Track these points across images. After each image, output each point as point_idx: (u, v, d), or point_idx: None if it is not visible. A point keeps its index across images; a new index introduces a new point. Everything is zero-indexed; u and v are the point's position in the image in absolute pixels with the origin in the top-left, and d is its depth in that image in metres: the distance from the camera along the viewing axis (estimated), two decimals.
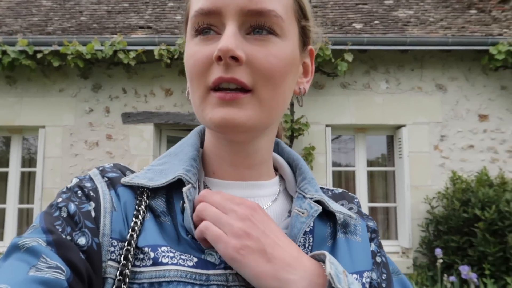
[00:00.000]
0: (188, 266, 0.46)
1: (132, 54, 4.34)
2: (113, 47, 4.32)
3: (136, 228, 0.47)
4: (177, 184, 0.52)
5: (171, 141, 4.77)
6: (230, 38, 0.46)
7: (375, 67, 4.71)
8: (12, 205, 4.69)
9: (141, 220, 0.48)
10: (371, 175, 4.85)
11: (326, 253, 0.46)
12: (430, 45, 4.44)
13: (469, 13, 5.12)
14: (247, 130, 0.50)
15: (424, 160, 4.52)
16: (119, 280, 0.44)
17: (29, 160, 4.90)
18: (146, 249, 0.46)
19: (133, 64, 4.38)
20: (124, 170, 0.55)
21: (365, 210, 4.68)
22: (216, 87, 0.48)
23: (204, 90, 0.49)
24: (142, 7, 5.48)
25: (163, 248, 0.46)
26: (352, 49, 4.40)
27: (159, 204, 0.51)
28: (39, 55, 4.34)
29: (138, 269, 0.45)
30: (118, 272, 0.45)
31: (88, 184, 0.51)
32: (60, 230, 0.44)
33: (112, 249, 0.46)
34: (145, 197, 0.51)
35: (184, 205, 0.49)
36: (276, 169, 0.62)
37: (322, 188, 0.63)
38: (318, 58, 4.33)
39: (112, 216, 0.48)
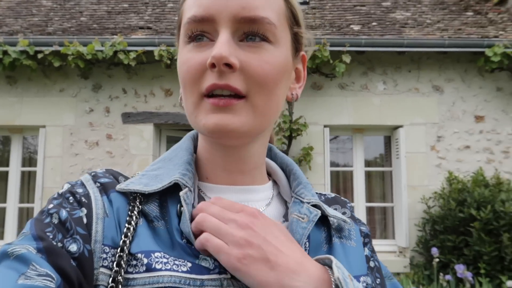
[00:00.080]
0: (182, 272, 0.45)
1: (132, 55, 4.38)
2: (113, 47, 4.36)
3: (129, 234, 0.47)
4: (172, 189, 0.51)
5: (171, 141, 4.81)
6: (223, 45, 0.46)
7: (373, 68, 4.76)
8: (12, 204, 4.71)
9: (134, 226, 0.48)
10: (368, 175, 4.90)
11: (332, 257, 0.46)
12: (426, 47, 4.50)
13: (466, 15, 5.18)
14: (241, 136, 0.50)
15: (420, 160, 4.58)
16: (111, 287, 0.44)
17: (29, 160, 4.93)
18: (139, 255, 0.45)
19: (133, 65, 4.42)
20: (116, 176, 0.54)
21: (362, 209, 4.73)
22: (210, 94, 0.48)
23: (197, 96, 0.49)
24: (142, 7, 5.51)
25: (156, 254, 0.46)
26: (350, 50, 4.45)
27: (152, 209, 0.50)
28: (39, 55, 4.37)
29: (131, 276, 0.45)
30: (111, 279, 0.44)
31: (80, 190, 0.50)
32: (51, 237, 0.44)
33: (104, 255, 0.45)
34: (137, 203, 0.50)
35: (182, 208, 0.49)
36: (269, 174, 0.62)
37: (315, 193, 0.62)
38: (316, 60, 4.38)
39: (104, 222, 0.47)
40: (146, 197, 0.51)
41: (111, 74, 4.71)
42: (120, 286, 0.44)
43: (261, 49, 0.49)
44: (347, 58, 4.39)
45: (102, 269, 0.45)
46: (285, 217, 0.56)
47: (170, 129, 4.87)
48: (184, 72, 0.50)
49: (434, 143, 4.61)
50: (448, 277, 3.59)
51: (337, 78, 4.64)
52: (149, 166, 0.56)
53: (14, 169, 4.78)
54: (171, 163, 0.54)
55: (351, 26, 4.98)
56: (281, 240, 0.46)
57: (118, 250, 0.46)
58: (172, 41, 4.35)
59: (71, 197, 0.49)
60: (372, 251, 0.61)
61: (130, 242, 0.47)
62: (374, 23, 5.03)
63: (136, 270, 0.45)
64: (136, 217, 0.49)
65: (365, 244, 0.60)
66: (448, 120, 4.64)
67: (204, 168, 0.57)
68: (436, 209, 4.32)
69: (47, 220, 0.46)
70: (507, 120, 4.62)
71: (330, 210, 0.57)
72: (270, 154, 0.65)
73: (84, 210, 0.47)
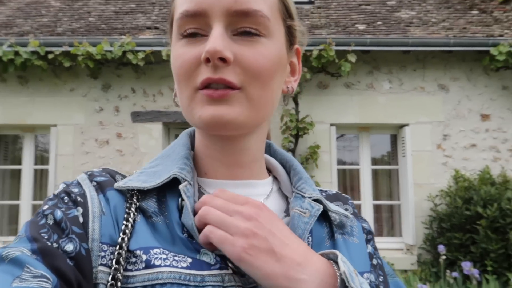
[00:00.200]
0: (182, 268, 0.44)
1: (141, 55, 4.44)
2: (122, 48, 4.42)
3: (127, 231, 0.46)
4: (171, 184, 0.51)
5: None
6: (217, 39, 0.46)
7: (378, 67, 4.80)
8: (26, 201, 4.81)
9: (132, 223, 0.47)
10: (375, 173, 4.94)
11: (337, 252, 0.45)
12: (432, 46, 4.52)
13: (471, 14, 5.20)
14: (237, 127, 0.49)
15: (427, 158, 4.61)
16: (111, 284, 0.43)
17: (41, 158, 5.01)
18: (138, 252, 0.45)
19: (141, 65, 4.48)
20: (113, 174, 0.54)
21: (369, 207, 4.77)
22: (204, 87, 0.48)
23: (192, 90, 0.49)
24: (149, 7, 5.57)
25: (155, 250, 0.45)
26: (355, 50, 4.49)
27: (150, 204, 0.50)
28: (50, 56, 4.44)
29: (130, 273, 0.44)
30: (110, 276, 0.44)
31: (76, 190, 0.50)
32: (46, 237, 0.43)
33: (103, 254, 0.45)
34: (135, 200, 0.50)
35: (183, 202, 0.48)
36: (269, 171, 0.62)
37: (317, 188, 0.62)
38: (322, 59, 4.43)
39: (101, 220, 0.47)
40: (143, 193, 0.51)
41: (120, 74, 4.78)
42: (119, 283, 0.43)
43: (255, 42, 0.49)
44: (352, 58, 4.43)
45: (101, 267, 0.44)
46: (286, 212, 0.56)
47: (179, 128, 4.93)
48: (177, 67, 0.50)
49: (440, 142, 4.64)
50: (455, 274, 3.62)
51: (342, 77, 4.68)
52: (147, 163, 0.56)
53: (27, 167, 4.87)
54: (169, 159, 0.54)
55: (356, 25, 5.02)
56: (286, 233, 0.46)
57: (117, 248, 0.45)
58: None
59: (66, 197, 0.48)
60: (375, 248, 0.60)
61: (129, 239, 0.46)
62: (379, 22, 5.07)
63: (136, 267, 0.44)
64: (134, 214, 0.48)
65: (368, 241, 0.59)
66: (453, 119, 4.67)
67: (202, 163, 0.56)
68: (443, 207, 4.35)
69: (42, 221, 0.45)
70: None
71: (331, 206, 0.56)
72: (270, 151, 0.64)
73: (80, 209, 0.47)
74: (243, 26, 0.48)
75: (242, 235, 0.43)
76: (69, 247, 0.43)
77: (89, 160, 4.65)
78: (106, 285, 0.44)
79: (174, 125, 4.84)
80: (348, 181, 4.92)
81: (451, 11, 5.27)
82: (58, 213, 0.46)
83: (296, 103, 4.63)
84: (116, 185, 0.51)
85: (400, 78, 4.77)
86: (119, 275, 0.44)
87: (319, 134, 4.64)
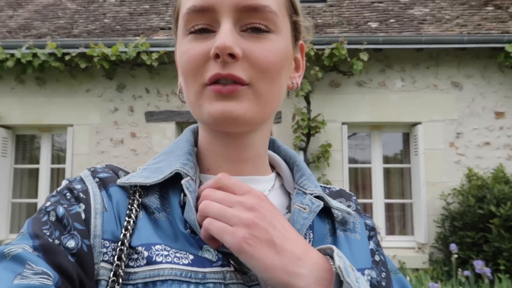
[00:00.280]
0: (183, 264, 0.44)
1: (155, 56, 4.52)
2: (136, 49, 4.51)
3: (129, 227, 0.46)
4: (173, 180, 0.51)
5: None
6: (227, 35, 0.46)
7: (391, 65, 4.78)
8: (43, 200, 4.88)
9: (134, 219, 0.47)
10: (387, 172, 4.93)
11: (333, 247, 0.45)
12: (445, 43, 4.48)
13: (486, 10, 5.13)
14: (246, 123, 0.49)
15: (439, 157, 4.58)
16: (112, 281, 0.43)
17: (57, 157, 5.15)
18: (139, 248, 0.45)
19: (155, 65, 4.56)
20: (116, 171, 0.54)
21: (381, 206, 4.77)
22: (212, 83, 0.48)
23: (200, 86, 0.49)
24: (162, 8, 5.65)
25: (157, 247, 0.45)
26: (368, 48, 4.48)
27: (153, 201, 0.50)
28: (67, 57, 4.56)
29: (132, 270, 0.44)
30: (112, 273, 0.44)
31: (78, 186, 0.50)
32: (47, 234, 0.43)
33: (105, 250, 0.45)
34: (137, 196, 0.50)
35: (185, 197, 0.49)
36: (272, 167, 0.62)
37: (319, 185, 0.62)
38: (334, 58, 4.44)
39: (104, 216, 0.47)
40: (146, 190, 0.51)
41: (134, 75, 4.87)
42: (120, 279, 0.43)
43: (263, 38, 0.49)
44: (364, 56, 4.42)
45: (102, 264, 0.44)
46: (288, 209, 0.56)
47: None
48: (184, 63, 0.50)
49: (453, 140, 4.61)
50: (467, 273, 3.61)
51: (354, 75, 4.68)
52: (151, 160, 0.56)
53: (44, 166, 5.02)
54: (172, 155, 0.54)
55: (369, 23, 5.00)
56: (286, 226, 0.46)
57: (119, 244, 0.45)
58: None
59: (68, 194, 0.49)
60: (378, 244, 0.60)
61: (131, 236, 0.46)
62: (392, 20, 5.04)
63: (137, 264, 0.45)
64: (136, 210, 0.48)
65: (370, 238, 0.59)
66: (467, 117, 4.63)
67: (205, 159, 0.56)
68: (455, 206, 4.32)
69: (45, 218, 0.45)
70: None
71: (334, 202, 0.56)
72: (273, 147, 0.64)
73: (82, 206, 0.47)
74: (252, 22, 0.48)
75: (243, 225, 0.43)
76: (71, 243, 0.44)
77: (104, 159, 4.76)
78: (107, 281, 0.44)
79: (187, 125, 4.92)
80: (359, 180, 4.93)
81: (465, 8, 5.21)
82: (60, 210, 0.46)
83: (308, 102, 4.65)
84: (118, 181, 0.51)
85: (412, 76, 4.75)
86: (120, 271, 0.44)
87: (330, 133, 4.65)
